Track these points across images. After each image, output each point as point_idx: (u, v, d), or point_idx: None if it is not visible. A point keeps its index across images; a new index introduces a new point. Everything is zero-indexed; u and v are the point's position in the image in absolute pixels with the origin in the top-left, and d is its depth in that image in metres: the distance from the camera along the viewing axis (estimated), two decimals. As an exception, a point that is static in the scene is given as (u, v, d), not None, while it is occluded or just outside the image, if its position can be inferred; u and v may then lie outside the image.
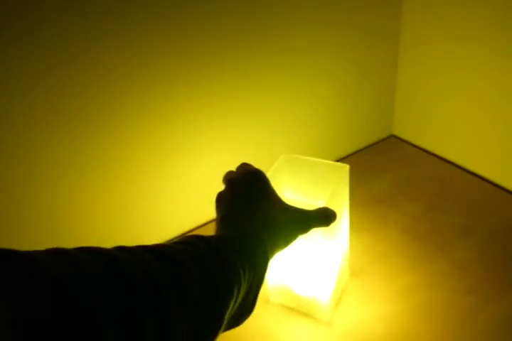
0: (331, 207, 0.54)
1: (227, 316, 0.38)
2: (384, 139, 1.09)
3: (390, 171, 0.98)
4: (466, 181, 0.94)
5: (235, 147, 0.85)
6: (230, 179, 0.51)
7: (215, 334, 0.36)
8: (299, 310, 0.71)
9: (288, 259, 0.65)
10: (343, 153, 1.05)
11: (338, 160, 1.02)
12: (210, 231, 0.46)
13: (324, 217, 0.52)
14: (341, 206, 0.61)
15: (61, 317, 0.25)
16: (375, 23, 0.91)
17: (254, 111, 0.85)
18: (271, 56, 0.81)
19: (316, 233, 0.53)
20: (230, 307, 0.38)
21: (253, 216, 0.47)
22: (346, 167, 0.61)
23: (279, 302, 0.72)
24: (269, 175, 0.54)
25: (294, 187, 0.64)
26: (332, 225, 0.54)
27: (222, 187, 0.51)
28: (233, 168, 0.54)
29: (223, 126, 0.82)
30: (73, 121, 0.67)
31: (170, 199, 0.83)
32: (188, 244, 0.40)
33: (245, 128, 0.86)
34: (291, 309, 0.72)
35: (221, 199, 0.49)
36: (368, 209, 0.89)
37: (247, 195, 0.48)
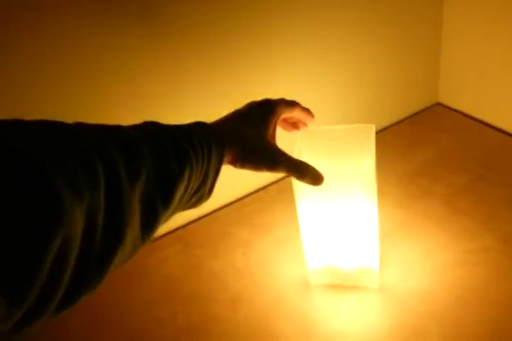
0: (358, 169, 0.56)
1: (178, 195, 0.41)
2: (429, 107, 1.03)
3: (434, 142, 0.93)
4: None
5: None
6: (252, 102, 0.54)
7: (166, 208, 0.39)
8: (345, 285, 0.70)
9: (326, 237, 0.65)
10: (387, 123, 1.00)
11: (381, 131, 0.98)
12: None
13: (295, 169, 0.53)
14: (369, 167, 0.59)
15: (20, 183, 0.27)
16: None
17: (298, 79, 0.84)
18: (319, 12, 0.80)
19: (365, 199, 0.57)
20: (182, 188, 0.41)
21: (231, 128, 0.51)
22: (371, 127, 0.61)
23: (322, 283, 0.71)
24: (295, 154, 0.55)
25: (323, 161, 0.62)
26: (363, 190, 0.57)
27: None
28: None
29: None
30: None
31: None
32: (143, 129, 0.42)
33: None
34: (335, 287, 0.70)
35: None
36: (407, 182, 0.85)
37: (243, 119, 0.52)
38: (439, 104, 1.04)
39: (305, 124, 0.60)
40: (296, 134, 0.62)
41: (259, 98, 0.56)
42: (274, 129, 0.55)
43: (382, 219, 0.65)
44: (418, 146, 0.93)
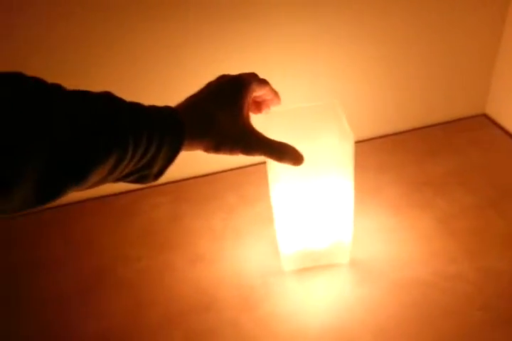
0: (337, 144, 0.55)
1: (100, 170, 0.38)
2: (473, 117, 0.97)
3: (461, 153, 0.88)
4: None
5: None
6: (222, 78, 0.52)
7: (74, 179, 0.37)
8: (319, 265, 0.71)
9: (300, 218, 0.65)
10: (425, 123, 0.96)
11: (410, 131, 0.94)
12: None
13: (273, 152, 0.50)
14: (347, 141, 0.57)
15: None
16: None
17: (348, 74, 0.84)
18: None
19: (344, 173, 0.57)
20: (107, 165, 0.38)
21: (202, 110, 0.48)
22: (336, 103, 0.61)
23: (295, 268, 0.72)
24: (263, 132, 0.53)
25: (294, 140, 0.60)
26: (342, 163, 0.56)
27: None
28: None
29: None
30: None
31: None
32: (98, 99, 0.40)
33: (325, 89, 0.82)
34: (308, 269, 0.71)
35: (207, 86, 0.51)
36: (414, 188, 0.82)
37: (216, 101, 0.49)
38: (485, 115, 0.97)
39: (268, 107, 0.58)
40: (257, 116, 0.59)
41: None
42: (248, 109, 0.52)
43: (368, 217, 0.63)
44: (442, 155, 0.88)
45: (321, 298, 0.67)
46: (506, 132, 0.92)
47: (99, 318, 0.68)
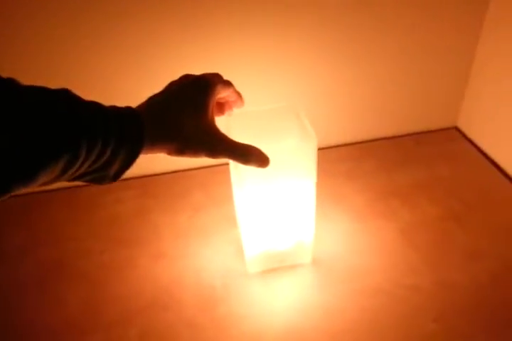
0: (300, 145, 0.55)
1: (49, 170, 0.36)
2: (444, 129, 0.98)
3: (430, 165, 0.89)
4: None
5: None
6: (185, 78, 0.50)
7: (20, 178, 0.34)
8: (281, 267, 0.72)
9: (263, 219, 0.65)
10: (396, 132, 0.97)
11: (383, 139, 0.95)
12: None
13: (238, 155, 0.49)
14: (311, 142, 0.57)
15: None
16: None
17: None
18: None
19: (307, 175, 0.57)
20: (57, 166, 0.36)
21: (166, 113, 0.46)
22: (297, 105, 0.61)
23: (260, 270, 0.72)
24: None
25: (256, 141, 0.60)
26: (305, 165, 0.56)
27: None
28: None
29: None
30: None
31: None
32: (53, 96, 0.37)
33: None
34: (270, 271, 0.71)
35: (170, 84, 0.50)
36: (379, 197, 0.83)
37: (179, 103, 0.47)
38: (456, 128, 0.98)
39: (231, 108, 0.57)
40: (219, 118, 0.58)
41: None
42: (213, 111, 0.51)
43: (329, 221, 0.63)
44: (411, 165, 0.89)
45: (281, 300, 0.68)
46: (476, 146, 0.93)
47: (55, 309, 0.67)
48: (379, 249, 0.74)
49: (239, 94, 0.55)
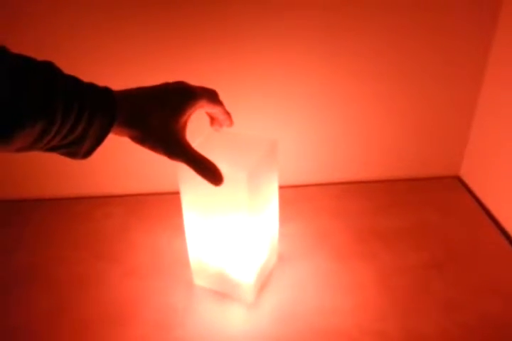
0: (255, 177, 0.55)
1: (22, 132, 0.38)
2: (445, 177, 0.96)
3: (419, 211, 0.87)
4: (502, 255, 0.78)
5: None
6: (166, 86, 0.52)
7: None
8: (224, 293, 0.71)
9: (214, 243, 0.65)
10: (399, 175, 0.96)
11: (380, 181, 0.94)
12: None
13: (194, 164, 0.51)
14: (270, 181, 0.58)
15: None
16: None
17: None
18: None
19: (240, 208, 0.55)
20: (33, 132, 0.39)
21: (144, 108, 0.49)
22: (275, 141, 0.61)
23: (204, 286, 0.72)
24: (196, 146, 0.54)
25: (221, 159, 0.59)
26: (257, 201, 0.55)
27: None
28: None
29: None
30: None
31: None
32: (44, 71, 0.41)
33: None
34: (215, 292, 0.71)
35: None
36: (362, 238, 0.81)
37: (156, 101, 0.50)
38: (458, 178, 0.96)
39: (220, 125, 0.59)
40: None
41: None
42: (187, 120, 0.53)
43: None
44: (400, 210, 0.87)
45: (235, 332, 0.66)
46: (475, 197, 0.90)
47: (19, 312, 0.69)
48: (352, 291, 0.71)
49: (228, 114, 0.57)
